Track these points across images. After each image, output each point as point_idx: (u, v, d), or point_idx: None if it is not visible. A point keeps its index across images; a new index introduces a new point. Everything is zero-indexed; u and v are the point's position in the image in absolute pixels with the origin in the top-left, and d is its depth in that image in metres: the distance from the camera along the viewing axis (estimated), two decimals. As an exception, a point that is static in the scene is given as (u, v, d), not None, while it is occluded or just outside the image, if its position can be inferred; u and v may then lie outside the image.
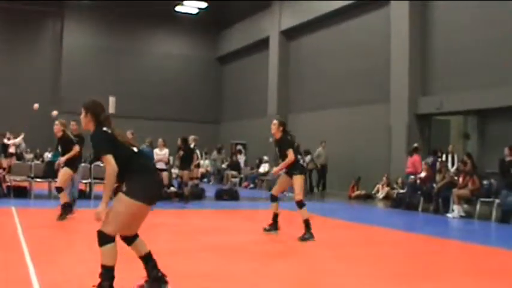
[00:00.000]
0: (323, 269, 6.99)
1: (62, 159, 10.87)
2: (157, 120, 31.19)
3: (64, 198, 10.65)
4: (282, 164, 9.50)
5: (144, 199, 4.97)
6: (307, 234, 9.08)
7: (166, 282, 5.32)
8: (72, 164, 10.92)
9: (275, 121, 9.70)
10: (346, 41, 23.11)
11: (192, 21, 34.19)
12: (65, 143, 11.01)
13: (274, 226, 9.78)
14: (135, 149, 5.20)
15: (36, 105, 15.66)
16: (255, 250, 8.28)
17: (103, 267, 4.90)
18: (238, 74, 33.31)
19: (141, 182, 5.00)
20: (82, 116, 5.25)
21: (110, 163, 4.87)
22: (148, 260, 5.34)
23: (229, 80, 34.62)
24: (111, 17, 32.11)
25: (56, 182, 11.15)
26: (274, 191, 9.87)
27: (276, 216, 9.79)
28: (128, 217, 4.97)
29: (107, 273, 4.91)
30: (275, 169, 10.03)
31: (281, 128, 9.59)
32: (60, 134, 11.07)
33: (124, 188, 4.99)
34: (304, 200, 9.42)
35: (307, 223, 9.18)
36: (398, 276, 6.68)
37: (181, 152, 16.30)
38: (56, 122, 11.22)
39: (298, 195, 9.32)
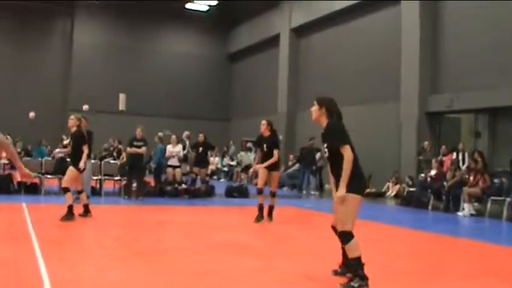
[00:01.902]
0: (331, 267, 6.97)
1: (82, 164, 10.51)
2: (167, 117, 31.21)
3: (70, 199, 10.23)
4: (268, 162, 10.74)
5: (361, 192, 5.62)
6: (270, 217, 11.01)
7: (354, 281, 5.54)
8: (76, 162, 10.48)
9: (264, 121, 10.97)
10: (356, 39, 23.03)
11: (202, 18, 34.19)
12: (76, 138, 10.66)
13: (261, 215, 11.00)
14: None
15: (32, 114, 15.75)
16: (263, 247, 8.29)
17: (353, 259, 5.52)
18: (248, 72, 33.28)
19: (357, 177, 5.58)
20: (315, 108, 5.82)
21: (348, 152, 5.54)
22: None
23: (240, 78, 34.61)
24: (121, 15, 32.16)
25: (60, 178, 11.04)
26: (260, 185, 10.95)
27: (262, 206, 10.99)
28: (356, 212, 5.59)
29: (359, 263, 5.50)
30: (258, 166, 11.08)
31: (269, 128, 10.88)
32: (74, 128, 10.72)
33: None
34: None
35: (272, 208, 11.13)
36: (407, 274, 6.66)
37: (200, 148, 16.50)
38: (72, 117, 10.87)
39: (275, 188, 11.10)
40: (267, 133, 10.85)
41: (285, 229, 10.76)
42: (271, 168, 10.85)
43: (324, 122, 5.78)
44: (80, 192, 10.83)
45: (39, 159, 17.29)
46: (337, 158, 5.53)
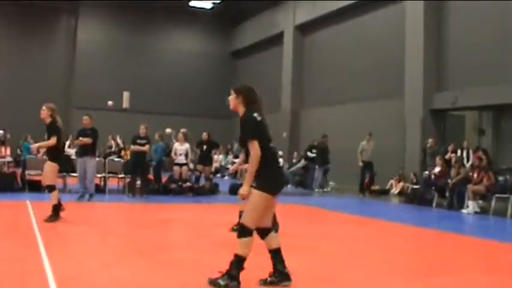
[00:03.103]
0: (334, 264, 6.98)
1: (36, 145, 10.49)
2: (170, 115, 31.17)
3: (55, 198, 9.55)
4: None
5: (272, 191, 5.29)
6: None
7: (290, 279, 5.42)
8: (56, 157, 9.68)
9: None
10: (360, 36, 23.01)
11: (206, 16, 34.18)
12: (49, 130, 9.74)
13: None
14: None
15: (110, 103, 15.89)
16: (262, 244, 8.27)
17: (236, 256, 5.23)
18: (252, 69, 33.26)
19: (270, 175, 5.30)
20: (232, 97, 5.69)
21: (255, 147, 5.20)
22: (277, 254, 5.46)
23: (243, 75, 34.55)
24: (125, 13, 32.18)
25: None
26: None
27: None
28: (263, 210, 5.28)
29: (239, 263, 5.23)
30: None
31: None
32: (48, 120, 9.79)
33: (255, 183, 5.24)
34: None
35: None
36: (410, 271, 6.65)
37: (204, 146, 16.51)
38: (43, 107, 9.83)
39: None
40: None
41: (289, 226, 10.75)
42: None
43: (241, 111, 5.56)
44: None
45: (27, 156, 17.34)
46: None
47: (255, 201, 5.22)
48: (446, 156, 16.56)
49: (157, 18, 33.06)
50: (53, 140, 9.54)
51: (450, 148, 16.92)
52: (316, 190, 19.96)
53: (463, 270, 6.83)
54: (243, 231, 5.24)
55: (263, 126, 5.44)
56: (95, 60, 31.67)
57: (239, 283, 5.23)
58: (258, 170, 5.19)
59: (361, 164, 19.09)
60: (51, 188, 9.56)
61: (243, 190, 5.22)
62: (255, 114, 5.46)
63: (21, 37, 31.16)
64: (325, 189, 20.02)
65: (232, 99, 5.62)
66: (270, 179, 5.29)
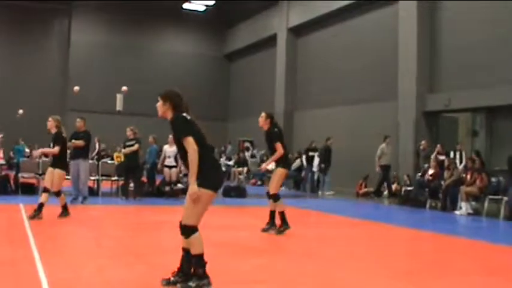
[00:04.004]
0: (328, 266, 6.98)
1: (39, 151, 11.20)
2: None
3: (63, 200, 10.58)
4: (271, 159, 9.52)
5: (213, 187, 5.34)
6: (284, 226, 9.20)
7: (192, 281, 5.30)
8: (65, 165, 10.84)
9: (263, 114, 9.58)
10: (354, 39, 23.05)
11: (199, 18, 34.19)
12: (56, 139, 10.64)
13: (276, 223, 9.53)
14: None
15: (76, 88, 16.09)
16: (261, 247, 8.29)
17: (195, 256, 5.23)
18: (246, 71, 33.29)
19: (210, 171, 5.33)
20: (159, 104, 5.59)
21: (191, 144, 5.23)
22: (189, 254, 5.36)
23: (237, 77, 34.61)
24: (118, 15, 32.13)
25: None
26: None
27: (283, 214, 9.41)
28: (204, 207, 5.30)
29: (200, 260, 5.22)
30: (263, 165, 10.00)
31: (268, 120, 9.50)
32: (54, 130, 10.74)
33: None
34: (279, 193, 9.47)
35: (283, 216, 9.24)
36: (404, 273, 6.67)
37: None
38: (50, 119, 10.87)
39: (274, 188, 9.33)
40: (266, 127, 9.50)
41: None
42: (277, 164, 9.49)
43: (170, 116, 5.56)
44: (58, 195, 10.57)
45: (20, 159, 17.34)
46: (186, 151, 5.27)
47: (202, 200, 5.23)
48: (432, 157, 16.61)
49: (151, 21, 33.02)
50: (56, 149, 10.44)
51: (437, 149, 16.98)
52: (327, 193, 19.93)
53: (456, 272, 6.85)
54: (191, 230, 5.22)
55: (195, 124, 5.54)
56: (88, 62, 31.60)
57: (208, 278, 5.24)
58: (198, 167, 5.17)
59: (378, 168, 18.69)
60: (58, 193, 10.49)
61: (191, 190, 5.13)
62: (184, 114, 5.55)
63: (14, 39, 31.07)
64: (327, 193, 20.05)
65: (160, 106, 5.55)
66: (210, 176, 5.29)
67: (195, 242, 5.21)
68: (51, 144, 10.61)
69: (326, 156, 20.18)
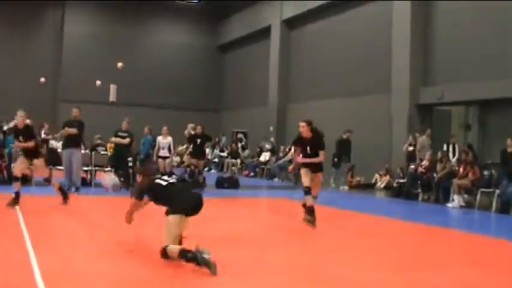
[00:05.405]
0: (322, 258, 7.01)
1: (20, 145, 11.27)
2: (157, 108, 31.13)
3: (18, 187, 10.81)
4: (309, 160, 9.62)
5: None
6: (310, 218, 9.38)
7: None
8: (32, 154, 11.13)
9: (303, 123, 9.67)
10: (347, 31, 23.03)
11: (193, 9, 34.08)
12: (27, 133, 11.17)
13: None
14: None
15: (120, 64, 16.45)
16: (255, 238, 8.30)
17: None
18: (239, 63, 33.23)
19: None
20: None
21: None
22: None
23: (231, 69, 34.55)
24: (112, 6, 31.90)
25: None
26: (309, 183, 9.63)
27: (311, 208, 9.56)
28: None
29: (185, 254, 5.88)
30: (298, 160, 9.96)
31: (310, 128, 9.63)
32: (21, 126, 11.19)
33: None
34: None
35: (311, 209, 9.43)
36: (397, 265, 6.70)
37: (198, 140, 16.41)
38: (21, 114, 11.20)
39: (316, 190, 9.82)
40: (309, 135, 9.64)
41: (277, 220, 10.79)
42: (317, 168, 9.79)
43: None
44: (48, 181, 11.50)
45: (12, 150, 17.22)
46: None
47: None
48: (403, 149, 16.55)
49: (144, 12, 32.88)
50: (32, 143, 11.11)
51: (408, 140, 17.00)
52: (334, 185, 19.29)
53: (448, 265, 6.88)
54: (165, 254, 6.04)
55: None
56: (81, 53, 31.43)
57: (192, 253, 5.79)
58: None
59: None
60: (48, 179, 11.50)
61: None
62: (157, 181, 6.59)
63: (7, 31, 30.79)
64: (341, 188, 19.17)
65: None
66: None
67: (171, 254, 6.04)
68: (22, 138, 11.05)
69: (342, 149, 19.27)
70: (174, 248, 5.96)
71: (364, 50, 21.71)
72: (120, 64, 17.50)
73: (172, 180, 6.71)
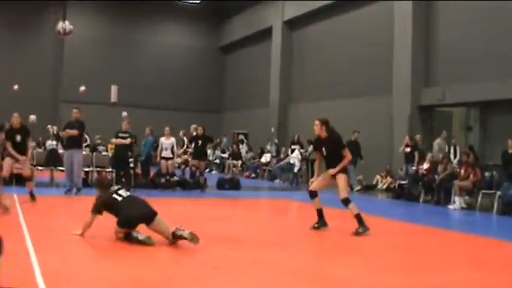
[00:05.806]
0: (322, 259, 7.00)
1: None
2: (159, 109, 31.15)
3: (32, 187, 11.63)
4: (341, 166, 9.00)
5: None
6: (361, 229, 8.86)
7: None
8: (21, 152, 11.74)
9: (317, 121, 9.16)
10: (349, 32, 23.02)
11: (194, 10, 34.08)
12: (24, 133, 11.90)
13: (321, 222, 9.28)
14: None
15: (82, 88, 16.56)
16: (255, 239, 8.30)
17: None
18: (241, 64, 33.22)
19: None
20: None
21: None
22: None
23: (232, 70, 34.54)
24: (113, 7, 31.92)
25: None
26: (314, 187, 9.25)
27: (320, 212, 9.30)
28: None
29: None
30: (332, 171, 9.06)
31: (324, 127, 9.11)
32: (18, 126, 11.89)
33: None
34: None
35: (359, 218, 8.96)
36: (397, 266, 6.69)
37: (199, 141, 16.42)
38: (16, 115, 11.95)
39: (344, 192, 9.04)
40: (323, 134, 9.14)
41: (278, 221, 10.79)
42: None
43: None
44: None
45: None
46: None
47: None
48: (400, 150, 16.52)
49: (146, 13, 32.89)
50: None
51: (405, 141, 17.00)
52: (357, 188, 18.56)
53: (450, 266, 6.87)
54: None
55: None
56: (83, 54, 31.44)
57: None
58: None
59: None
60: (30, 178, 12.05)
61: None
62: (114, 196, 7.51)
63: (8, 33, 30.82)
64: (354, 188, 18.21)
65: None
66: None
67: None
68: (19, 138, 11.69)
69: (353, 151, 18.84)
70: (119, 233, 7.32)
71: (366, 51, 21.69)
72: (82, 88, 17.94)
73: (126, 194, 7.65)
